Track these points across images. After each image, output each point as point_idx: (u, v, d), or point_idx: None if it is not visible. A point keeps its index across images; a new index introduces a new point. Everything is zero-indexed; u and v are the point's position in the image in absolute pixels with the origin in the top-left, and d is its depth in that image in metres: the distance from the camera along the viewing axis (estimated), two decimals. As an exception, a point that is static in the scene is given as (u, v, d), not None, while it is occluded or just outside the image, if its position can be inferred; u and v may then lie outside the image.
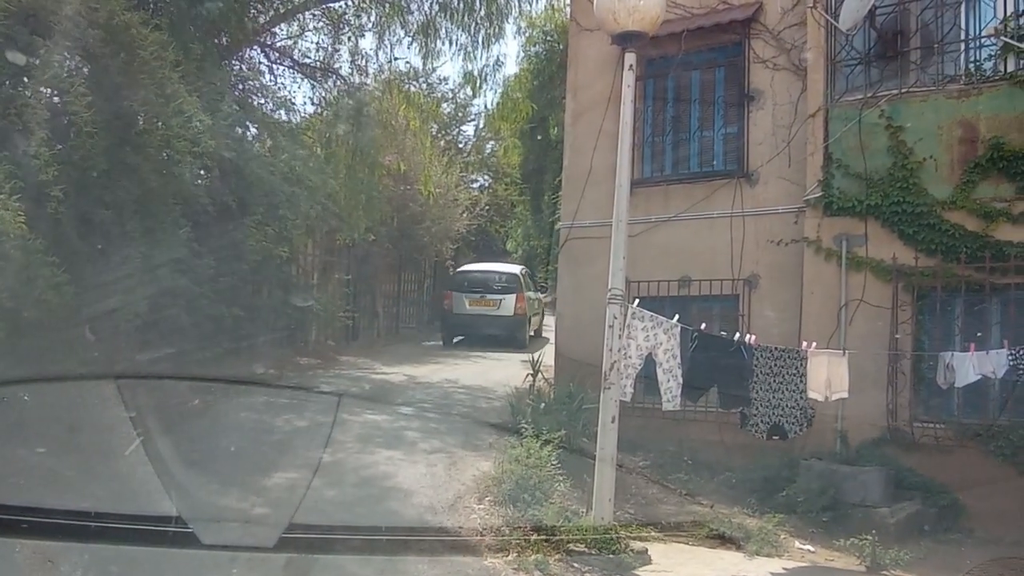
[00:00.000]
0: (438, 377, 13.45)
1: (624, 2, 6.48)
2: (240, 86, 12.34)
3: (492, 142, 32.98)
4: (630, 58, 6.83)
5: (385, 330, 19.73)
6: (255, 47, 13.42)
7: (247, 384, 10.78)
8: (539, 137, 26.48)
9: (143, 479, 6.44)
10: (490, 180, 34.09)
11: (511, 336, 17.64)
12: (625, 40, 6.77)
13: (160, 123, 8.20)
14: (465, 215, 23.03)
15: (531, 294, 19.00)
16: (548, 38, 24.55)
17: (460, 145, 32.23)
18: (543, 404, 9.75)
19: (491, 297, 17.85)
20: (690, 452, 10.01)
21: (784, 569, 6.66)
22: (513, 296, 17.86)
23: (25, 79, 7.57)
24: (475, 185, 31.20)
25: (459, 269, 20.38)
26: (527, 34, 22.51)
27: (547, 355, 11.73)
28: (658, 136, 11.62)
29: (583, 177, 11.60)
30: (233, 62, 12.55)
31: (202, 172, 9.26)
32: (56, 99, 7.75)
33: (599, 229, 10.17)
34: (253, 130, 11.58)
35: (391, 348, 17.61)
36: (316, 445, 8.59)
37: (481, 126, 32.62)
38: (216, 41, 11.35)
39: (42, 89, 7.56)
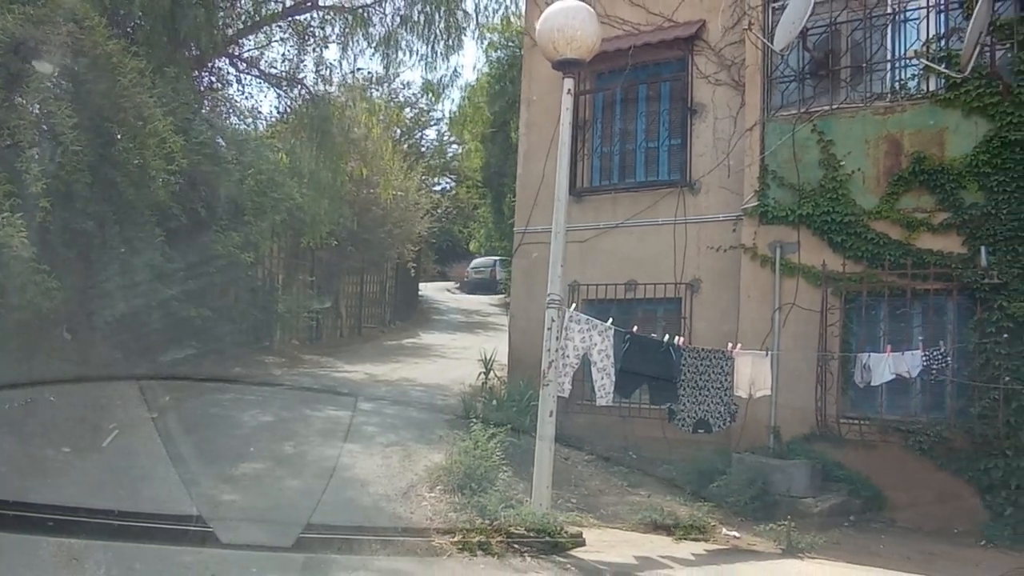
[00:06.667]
0: (397, 375, 13.88)
1: (563, 32, 7.00)
2: (209, 97, 12.76)
3: (455, 146, 33.45)
4: (568, 83, 7.33)
5: (348, 330, 20.13)
6: (223, 57, 13.80)
7: (215, 382, 11.13)
8: (500, 141, 26.91)
9: (120, 469, 6.91)
10: (453, 183, 34.61)
11: (492, 287, 32.11)
12: (564, 66, 7.27)
13: (138, 142, 8.68)
14: (426, 218, 23.46)
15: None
16: (509, 43, 25.00)
17: (423, 149, 32.68)
18: (495, 401, 10.23)
19: (484, 270, 33.34)
20: (635, 447, 10.53)
21: (706, 551, 7.19)
22: (492, 269, 32.87)
23: (17, 102, 8.05)
24: (437, 188, 31.75)
25: (474, 261, 34.93)
26: (488, 40, 22.89)
27: (501, 354, 12.18)
28: (606, 146, 12.08)
29: (536, 184, 12.03)
30: (203, 73, 12.96)
31: (177, 186, 9.73)
32: (44, 126, 8.22)
33: (551, 235, 10.64)
34: (223, 143, 11.97)
35: (353, 347, 18.02)
36: (279, 439, 9.03)
37: (444, 130, 33.16)
38: (187, 53, 11.78)
39: (32, 111, 8.04)
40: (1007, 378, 8.45)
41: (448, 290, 34.49)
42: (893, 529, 8.73)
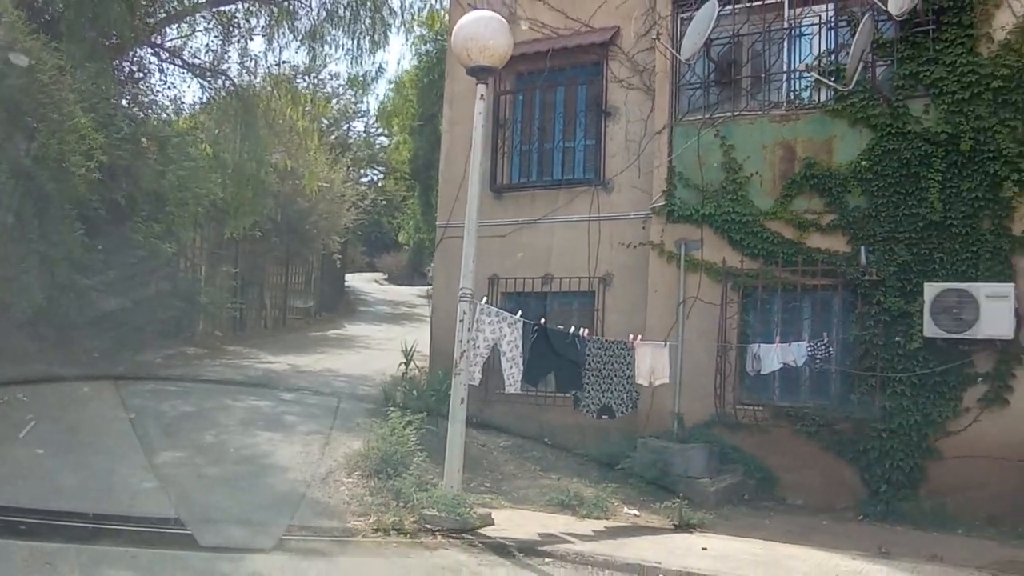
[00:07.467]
0: (320, 366, 14.14)
1: (476, 41, 7.42)
2: (131, 89, 12.81)
3: (383, 138, 33.60)
4: (482, 88, 7.75)
5: (272, 321, 20.26)
6: (145, 46, 13.83)
7: (134, 379, 11.22)
8: (429, 133, 27.16)
9: (42, 460, 7.11)
10: (381, 175, 34.73)
11: None
12: (477, 73, 7.69)
13: (57, 137, 8.81)
14: (352, 210, 23.65)
15: None
16: (438, 37, 25.24)
17: (350, 141, 32.73)
18: (415, 391, 10.61)
19: None
20: (549, 433, 10.98)
21: (606, 527, 7.72)
22: None
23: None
24: (364, 180, 31.84)
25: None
26: (416, 33, 23.10)
27: (424, 345, 12.55)
28: (526, 144, 12.51)
29: (458, 180, 12.25)
30: (124, 62, 12.99)
31: (96, 178, 9.84)
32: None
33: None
34: (144, 136, 12.06)
35: (278, 338, 18.20)
36: (199, 429, 9.27)
37: (371, 122, 33.28)
38: (107, 42, 11.83)
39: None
40: (881, 367, 9.22)
41: (376, 281, 34.61)
42: (783, 507, 9.41)
